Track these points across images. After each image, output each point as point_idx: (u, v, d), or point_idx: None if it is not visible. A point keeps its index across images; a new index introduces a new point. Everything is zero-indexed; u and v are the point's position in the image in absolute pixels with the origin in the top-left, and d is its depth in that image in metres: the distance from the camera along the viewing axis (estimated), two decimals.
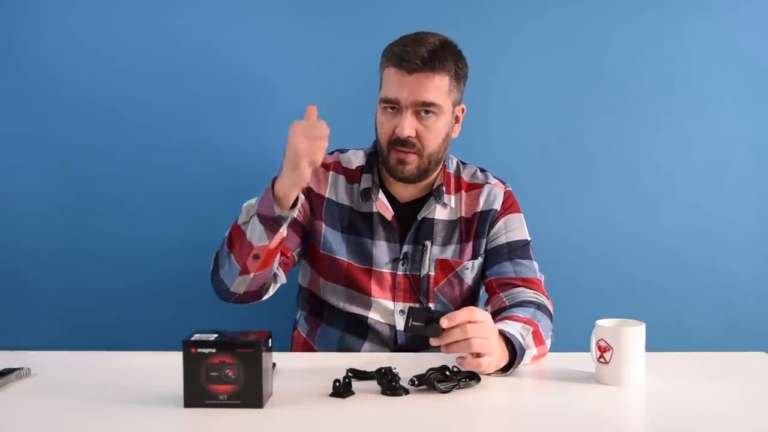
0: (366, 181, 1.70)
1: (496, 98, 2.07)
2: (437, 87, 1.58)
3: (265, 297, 1.63)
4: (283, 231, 1.50)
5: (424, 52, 1.56)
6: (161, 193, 2.06)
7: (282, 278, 1.65)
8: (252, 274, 1.53)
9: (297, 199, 1.48)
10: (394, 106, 1.60)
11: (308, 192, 1.69)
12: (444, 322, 1.30)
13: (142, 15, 2.03)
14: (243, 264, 1.52)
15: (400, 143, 1.60)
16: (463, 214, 1.70)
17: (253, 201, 1.52)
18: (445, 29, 1.93)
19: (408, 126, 1.58)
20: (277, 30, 2.04)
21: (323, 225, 1.69)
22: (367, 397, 1.27)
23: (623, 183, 2.08)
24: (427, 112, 1.59)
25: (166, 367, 1.35)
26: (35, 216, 2.06)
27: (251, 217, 1.48)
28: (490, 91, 2.06)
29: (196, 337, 1.22)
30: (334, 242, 1.69)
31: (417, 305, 1.67)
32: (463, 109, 1.70)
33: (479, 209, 1.70)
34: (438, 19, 2.01)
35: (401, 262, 1.68)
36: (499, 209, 1.71)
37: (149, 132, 2.05)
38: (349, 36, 1.93)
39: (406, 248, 1.68)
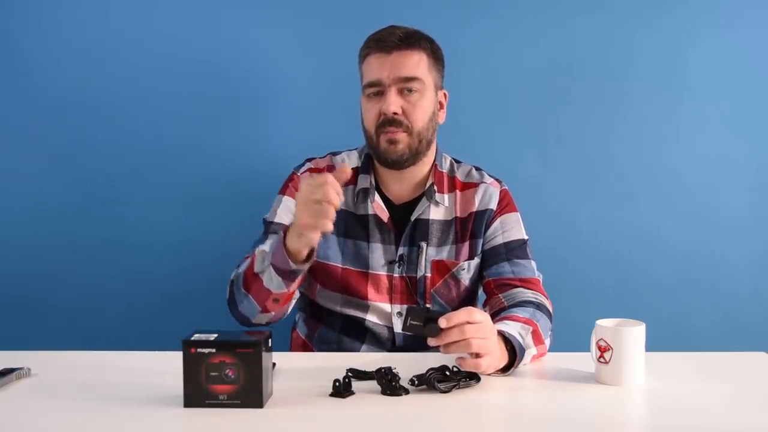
0: (363, 181, 1.69)
1: (497, 98, 2.07)
2: (417, 63, 1.61)
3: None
4: (302, 276, 1.49)
5: (400, 33, 1.61)
6: (162, 193, 2.06)
7: (296, 294, 1.64)
8: (273, 312, 1.54)
9: (312, 251, 1.45)
10: (378, 89, 1.61)
11: None
12: (443, 323, 1.29)
13: (142, 15, 2.03)
14: (263, 305, 1.52)
15: (387, 123, 1.60)
16: (458, 214, 1.70)
17: (266, 247, 1.51)
18: (447, 29, 1.93)
19: (393, 102, 1.59)
20: (277, 30, 2.04)
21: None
22: (367, 397, 1.27)
23: (623, 183, 2.09)
24: (410, 90, 1.60)
25: (166, 367, 1.36)
26: (35, 216, 2.06)
27: (266, 267, 1.47)
28: (490, 91, 2.06)
29: (196, 337, 1.22)
30: (330, 248, 1.68)
31: (415, 306, 1.66)
32: (445, 95, 1.70)
33: (475, 209, 1.70)
34: (439, 20, 2.02)
35: (397, 264, 1.67)
36: (495, 209, 1.70)
37: (149, 132, 2.05)
38: (349, 36, 1.92)
39: (401, 250, 1.67)
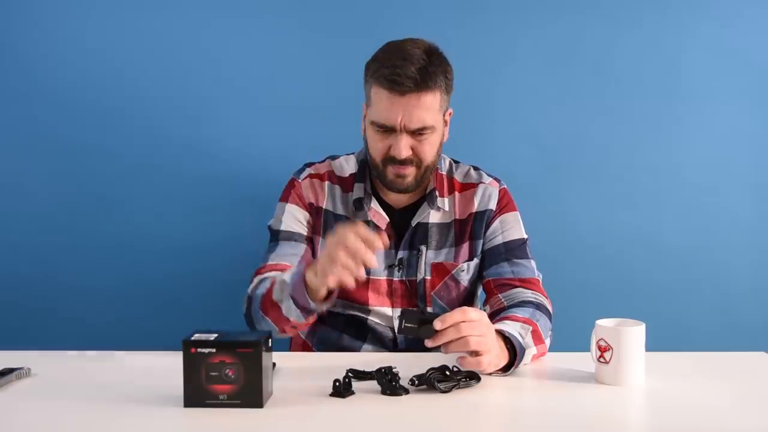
0: (358, 190, 1.68)
1: (498, 99, 2.07)
2: (430, 107, 1.55)
3: None
4: (321, 311, 1.47)
5: (415, 72, 1.51)
6: (161, 193, 2.06)
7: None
8: (293, 333, 1.54)
9: (332, 291, 1.42)
10: (387, 128, 1.57)
11: (309, 207, 1.69)
12: (437, 324, 1.30)
13: (142, 15, 2.03)
14: (282, 329, 1.51)
15: (397, 162, 1.58)
16: (457, 216, 1.69)
17: (286, 277, 1.47)
18: (449, 31, 1.93)
19: (404, 147, 1.56)
20: (276, 30, 2.04)
21: (321, 239, 1.68)
22: (367, 397, 1.27)
23: (623, 183, 2.09)
24: (421, 132, 1.57)
25: (166, 367, 1.36)
26: (35, 216, 2.06)
27: (285, 297, 1.45)
28: (492, 92, 2.06)
29: (196, 337, 1.22)
30: None
31: (410, 308, 1.65)
32: (450, 113, 1.66)
33: (474, 210, 1.69)
34: (441, 21, 2.02)
35: (397, 268, 1.67)
36: (494, 209, 1.69)
37: (149, 132, 2.05)
38: (349, 36, 1.93)
39: (401, 254, 1.67)
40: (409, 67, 1.52)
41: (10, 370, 1.35)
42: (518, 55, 2.06)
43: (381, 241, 1.31)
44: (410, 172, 1.60)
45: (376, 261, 1.32)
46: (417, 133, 1.57)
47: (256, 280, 1.61)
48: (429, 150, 1.59)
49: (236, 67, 2.05)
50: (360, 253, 1.30)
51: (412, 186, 1.62)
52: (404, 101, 1.53)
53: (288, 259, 1.63)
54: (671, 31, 2.05)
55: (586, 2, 2.05)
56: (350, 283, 1.33)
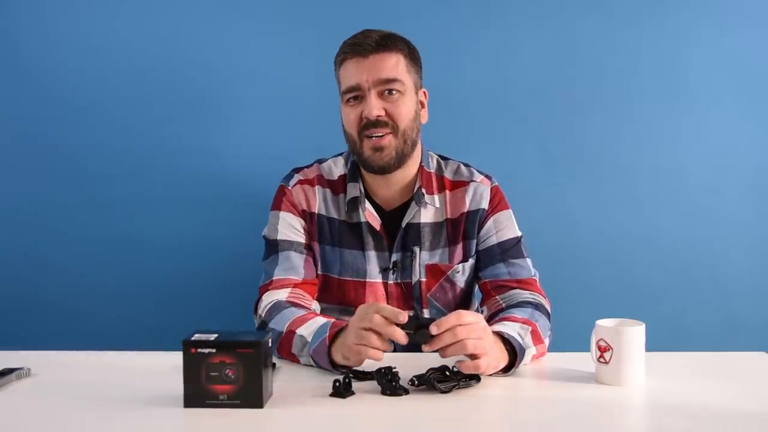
0: (352, 190, 1.66)
1: (498, 98, 2.07)
2: (395, 65, 1.58)
3: None
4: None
5: (375, 36, 1.59)
6: (161, 193, 2.07)
7: (317, 305, 1.63)
8: None
9: None
10: (357, 94, 1.58)
11: (302, 213, 1.67)
12: (433, 329, 1.28)
13: (141, 15, 2.03)
14: (295, 361, 1.48)
15: (371, 126, 1.57)
16: (449, 216, 1.67)
17: (304, 333, 1.43)
18: (447, 29, 1.93)
19: (375, 106, 1.57)
20: (276, 30, 2.05)
21: (317, 245, 1.67)
22: (367, 397, 1.27)
23: (623, 183, 2.09)
24: (390, 91, 1.58)
25: (166, 367, 1.36)
26: (35, 216, 2.06)
27: (305, 355, 1.42)
28: (491, 91, 2.06)
29: (196, 337, 1.22)
30: (328, 259, 1.66)
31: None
32: (425, 93, 1.68)
33: (466, 209, 1.67)
34: (440, 19, 2.02)
35: (391, 271, 1.66)
36: (486, 208, 1.67)
37: (149, 132, 2.06)
38: (347, 37, 1.91)
39: (395, 257, 1.66)
40: (369, 35, 1.60)
41: (10, 370, 1.36)
42: (519, 55, 2.06)
43: (404, 316, 1.29)
44: (388, 142, 1.58)
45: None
46: (386, 92, 1.58)
47: (265, 299, 1.57)
48: (404, 112, 1.59)
49: (235, 67, 2.05)
50: (387, 332, 1.29)
51: (391, 159, 1.59)
52: (368, 63, 1.58)
53: (294, 272, 1.61)
54: (671, 31, 2.05)
55: (587, 2, 2.05)
56: (379, 358, 1.31)
